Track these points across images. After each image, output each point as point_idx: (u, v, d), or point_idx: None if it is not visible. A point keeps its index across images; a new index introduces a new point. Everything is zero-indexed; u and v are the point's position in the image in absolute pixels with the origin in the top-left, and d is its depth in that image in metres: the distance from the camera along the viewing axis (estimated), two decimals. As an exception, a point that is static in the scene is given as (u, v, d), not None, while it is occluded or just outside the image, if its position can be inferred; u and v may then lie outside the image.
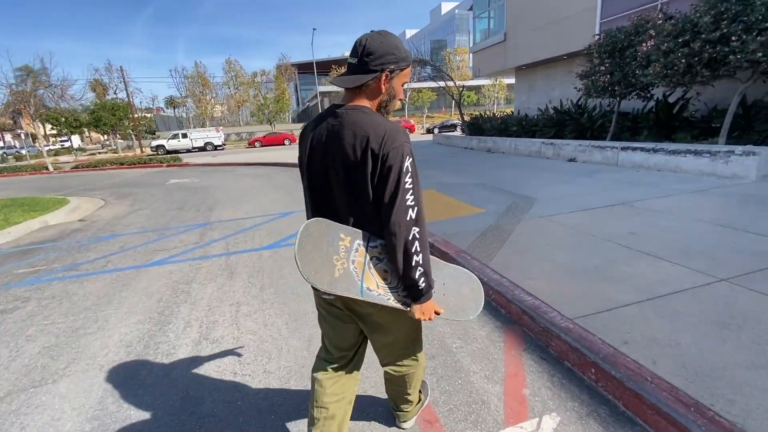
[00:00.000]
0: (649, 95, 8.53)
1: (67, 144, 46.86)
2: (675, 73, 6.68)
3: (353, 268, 1.20)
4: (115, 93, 43.63)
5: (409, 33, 72.74)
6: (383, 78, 1.17)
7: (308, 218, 1.26)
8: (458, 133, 17.34)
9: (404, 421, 1.71)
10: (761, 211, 4.03)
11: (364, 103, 1.20)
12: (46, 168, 17.86)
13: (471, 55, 19.76)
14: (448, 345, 2.31)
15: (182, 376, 2.16)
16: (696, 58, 6.28)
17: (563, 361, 2.09)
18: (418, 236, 1.15)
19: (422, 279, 1.19)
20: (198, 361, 2.29)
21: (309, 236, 1.15)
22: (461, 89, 18.19)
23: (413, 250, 1.15)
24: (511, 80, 20.09)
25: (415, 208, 1.14)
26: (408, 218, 1.13)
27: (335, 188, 1.21)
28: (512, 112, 16.98)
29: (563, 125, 11.55)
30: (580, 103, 11.75)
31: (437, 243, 3.71)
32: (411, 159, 1.13)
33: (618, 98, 8.90)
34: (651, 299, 2.41)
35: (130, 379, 2.17)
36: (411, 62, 1.23)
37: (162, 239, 4.99)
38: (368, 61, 1.14)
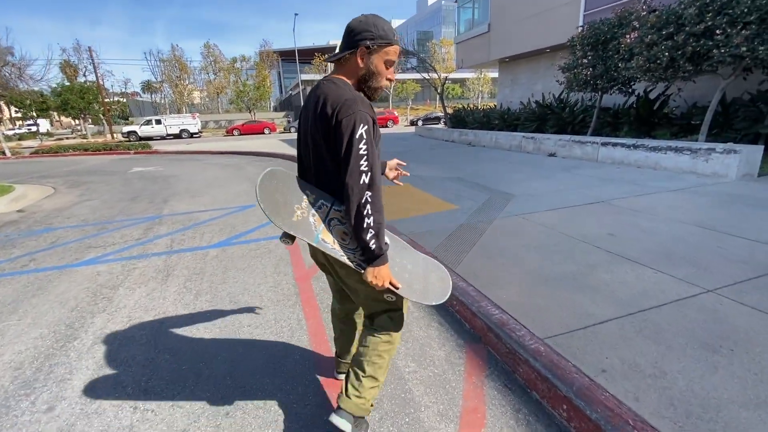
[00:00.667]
0: (630, 90, 8.35)
1: (33, 128, 44.33)
2: (658, 66, 6.47)
3: (312, 220, 1.29)
4: (84, 75, 41.37)
5: (396, 23, 71.72)
6: (359, 52, 1.24)
7: None
8: (441, 126, 17.04)
9: (340, 405, 1.41)
10: (744, 212, 3.82)
11: (341, 76, 1.29)
12: (2, 153, 16.65)
13: (455, 45, 19.36)
14: (400, 369, 1.96)
15: (67, 412, 1.74)
16: (679, 52, 6.07)
17: (531, 391, 1.76)
18: (370, 200, 1.19)
19: (373, 241, 1.22)
20: (93, 391, 1.88)
21: (273, 178, 1.26)
22: (445, 81, 17.84)
23: (365, 213, 1.19)
24: (496, 74, 19.89)
25: (369, 174, 1.18)
26: (361, 182, 1.18)
27: (310, 153, 1.31)
28: (495, 106, 16.75)
29: (545, 119, 11.35)
30: (562, 97, 11.56)
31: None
32: (366, 127, 1.18)
33: (600, 92, 8.70)
34: (632, 314, 2.12)
35: (3, 415, 1.74)
36: (394, 42, 1.26)
37: (102, 234, 4.48)
38: (348, 38, 1.25)
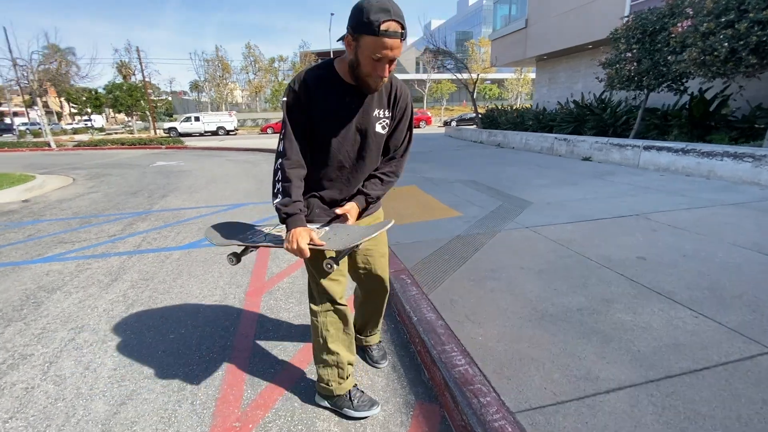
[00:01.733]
0: (682, 88, 7.31)
1: (89, 123, 47.55)
2: (714, 60, 5.50)
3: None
4: (134, 75, 43.78)
5: (435, 23, 70.67)
6: (346, 40, 1.18)
7: None
8: (473, 127, 16.26)
9: None
10: (826, 236, 2.97)
11: (339, 58, 1.28)
12: (48, 145, 17.68)
13: (491, 43, 18.47)
14: (317, 434, 1.45)
15: None
16: (741, 42, 5.11)
17: (484, 497, 1.20)
18: (279, 167, 1.27)
19: (280, 206, 1.26)
20: (-62, 429, 1.51)
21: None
22: (477, 80, 17.03)
23: (275, 178, 1.28)
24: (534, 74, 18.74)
25: (282, 142, 1.28)
26: (276, 149, 1.30)
27: None
28: (531, 107, 15.72)
29: (583, 121, 10.34)
30: (603, 97, 10.52)
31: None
32: (285, 99, 1.28)
33: (646, 90, 7.69)
34: (654, 381, 1.49)
35: None
36: (374, 33, 1.08)
37: (82, 228, 4.28)
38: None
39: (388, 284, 1.69)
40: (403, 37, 1.11)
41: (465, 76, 16.25)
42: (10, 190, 6.48)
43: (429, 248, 3.00)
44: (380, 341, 1.93)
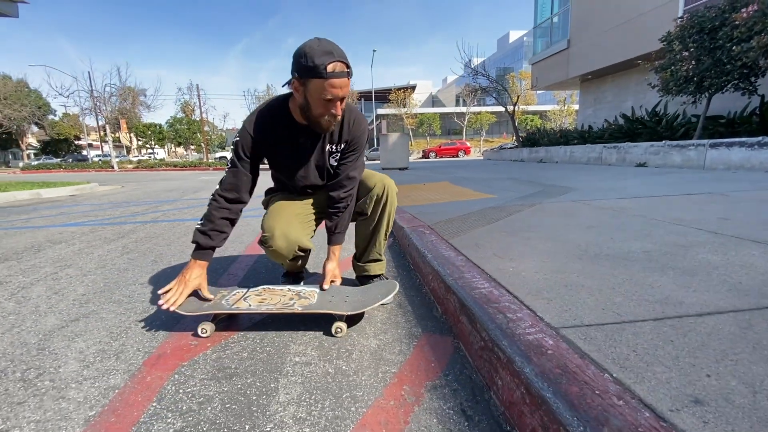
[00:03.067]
0: (751, 87, 6.53)
1: (152, 155, 52.12)
2: (793, 43, 4.85)
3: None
4: (194, 113, 47.96)
5: (475, 61, 72.02)
6: (293, 86, 1.19)
7: None
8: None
9: None
10: None
11: (292, 97, 1.27)
12: (111, 167, 19.37)
13: (531, 67, 18.25)
14: (290, 353, 1.11)
15: None
16: (828, 19, 4.47)
17: None
18: (213, 196, 1.32)
19: (196, 227, 1.32)
20: None
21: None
22: (516, 100, 16.73)
23: (208, 203, 1.33)
24: (578, 106, 18.14)
25: (224, 178, 1.32)
26: (218, 183, 1.33)
27: None
28: (574, 128, 15.04)
29: (634, 135, 9.60)
30: (657, 110, 9.77)
31: (400, 220, 2.50)
32: (237, 139, 1.31)
33: (708, 94, 6.97)
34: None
35: None
36: (322, 76, 1.10)
37: (111, 208, 4.33)
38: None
39: (387, 211, 1.48)
40: (349, 75, 1.13)
41: (501, 108, 16.03)
42: (62, 188, 6.89)
43: (452, 215, 2.62)
44: (383, 274, 1.58)
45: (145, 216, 3.70)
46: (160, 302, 1.23)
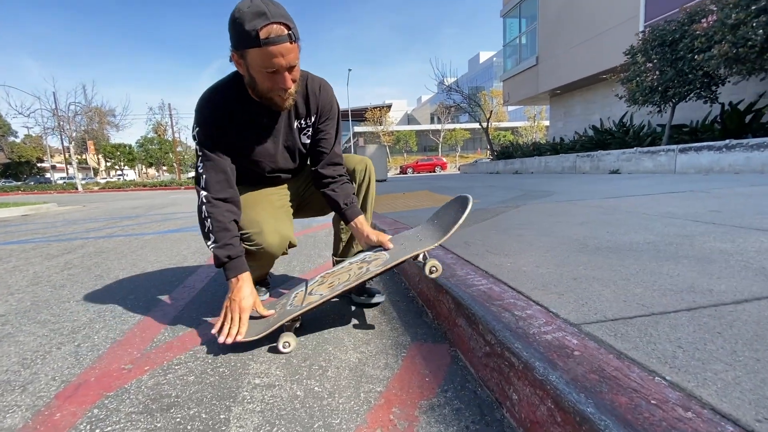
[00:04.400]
0: (712, 95, 6.83)
1: (121, 177, 50.25)
2: (749, 52, 5.08)
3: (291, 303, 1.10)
4: (166, 133, 46.82)
5: (449, 80, 74.12)
6: (234, 61, 1.00)
7: None
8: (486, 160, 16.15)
9: None
10: None
11: (237, 79, 1.07)
12: (75, 188, 18.41)
13: (502, 83, 18.81)
14: (248, 373, 0.88)
15: None
16: (780, 28, 4.71)
17: (537, 459, 0.59)
18: (206, 201, 1.06)
19: (213, 246, 1.06)
20: None
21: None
22: (489, 116, 17.12)
23: (203, 216, 1.07)
24: (548, 122, 18.78)
25: (204, 176, 1.08)
26: (198, 184, 1.10)
27: None
28: (546, 141, 15.46)
29: (604, 145, 9.87)
30: (624, 121, 10.14)
31: (381, 224, 2.31)
32: (198, 129, 1.08)
33: (672, 103, 7.25)
34: (813, 294, 0.87)
35: None
36: (257, 44, 0.89)
37: (63, 225, 3.94)
38: None
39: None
40: (291, 38, 0.92)
41: (475, 125, 16.42)
42: (14, 208, 6.35)
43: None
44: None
45: (100, 232, 3.37)
46: (220, 339, 0.98)
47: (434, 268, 1.01)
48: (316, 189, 1.27)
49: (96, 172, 59.88)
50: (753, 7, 4.96)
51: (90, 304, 1.45)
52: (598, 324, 0.77)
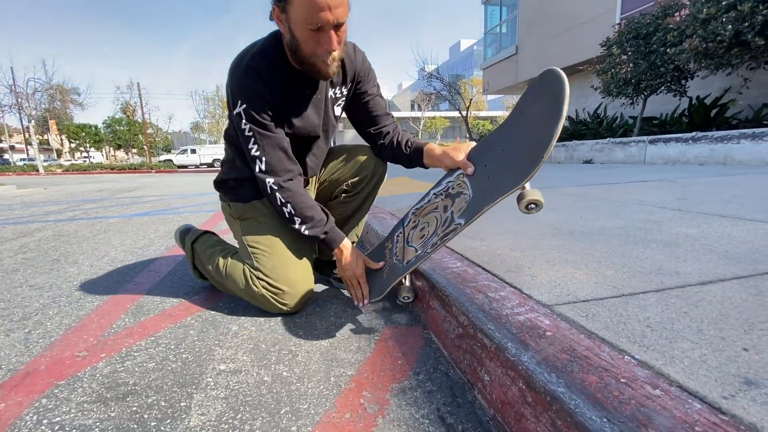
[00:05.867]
0: (681, 89, 7.06)
1: (87, 160, 47.73)
2: (718, 47, 5.25)
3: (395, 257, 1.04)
4: (135, 113, 44.61)
5: (429, 67, 73.81)
6: (275, 18, 0.88)
7: None
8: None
9: None
10: None
11: (277, 43, 0.95)
12: (37, 170, 17.36)
13: (482, 72, 18.85)
14: (214, 357, 0.84)
15: None
16: (746, 24, 4.88)
17: (507, 439, 0.59)
18: (276, 187, 0.97)
19: (304, 228, 1.00)
20: None
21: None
22: (469, 105, 17.18)
23: (278, 203, 0.99)
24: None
25: (263, 159, 0.97)
26: (258, 170, 0.98)
27: None
28: (524, 130, 15.66)
29: (579, 136, 10.11)
30: (598, 112, 10.39)
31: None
32: (245, 106, 0.93)
33: (644, 96, 7.46)
34: (764, 274, 0.91)
35: None
36: None
37: (19, 208, 3.71)
38: None
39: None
40: None
41: (454, 114, 16.45)
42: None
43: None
44: None
45: (61, 215, 3.18)
46: (359, 305, 1.05)
47: (533, 205, 0.76)
48: (379, 154, 1.19)
49: (59, 153, 56.64)
50: (723, 3, 5.10)
51: (44, 289, 1.36)
52: (570, 305, 0.77)
